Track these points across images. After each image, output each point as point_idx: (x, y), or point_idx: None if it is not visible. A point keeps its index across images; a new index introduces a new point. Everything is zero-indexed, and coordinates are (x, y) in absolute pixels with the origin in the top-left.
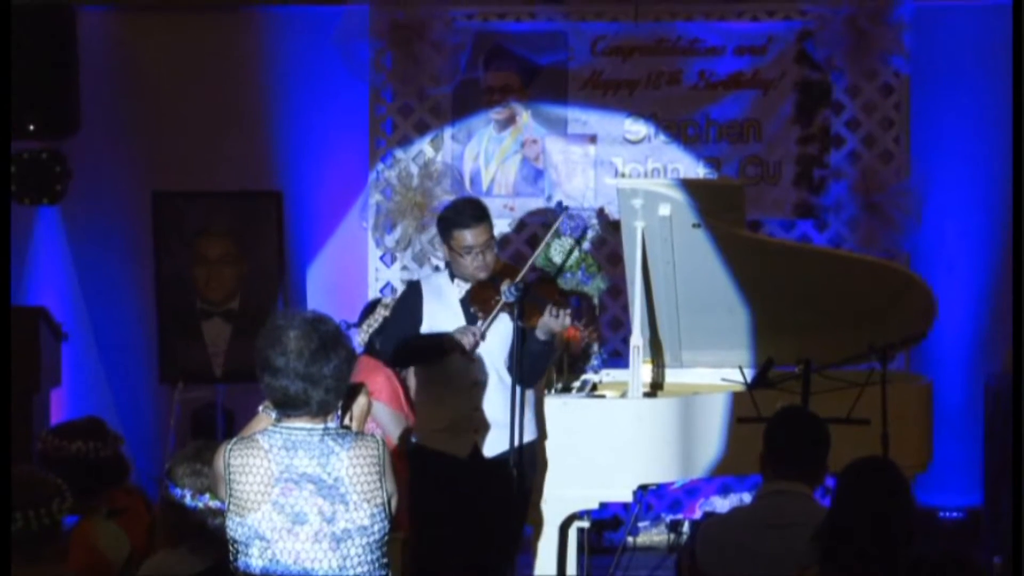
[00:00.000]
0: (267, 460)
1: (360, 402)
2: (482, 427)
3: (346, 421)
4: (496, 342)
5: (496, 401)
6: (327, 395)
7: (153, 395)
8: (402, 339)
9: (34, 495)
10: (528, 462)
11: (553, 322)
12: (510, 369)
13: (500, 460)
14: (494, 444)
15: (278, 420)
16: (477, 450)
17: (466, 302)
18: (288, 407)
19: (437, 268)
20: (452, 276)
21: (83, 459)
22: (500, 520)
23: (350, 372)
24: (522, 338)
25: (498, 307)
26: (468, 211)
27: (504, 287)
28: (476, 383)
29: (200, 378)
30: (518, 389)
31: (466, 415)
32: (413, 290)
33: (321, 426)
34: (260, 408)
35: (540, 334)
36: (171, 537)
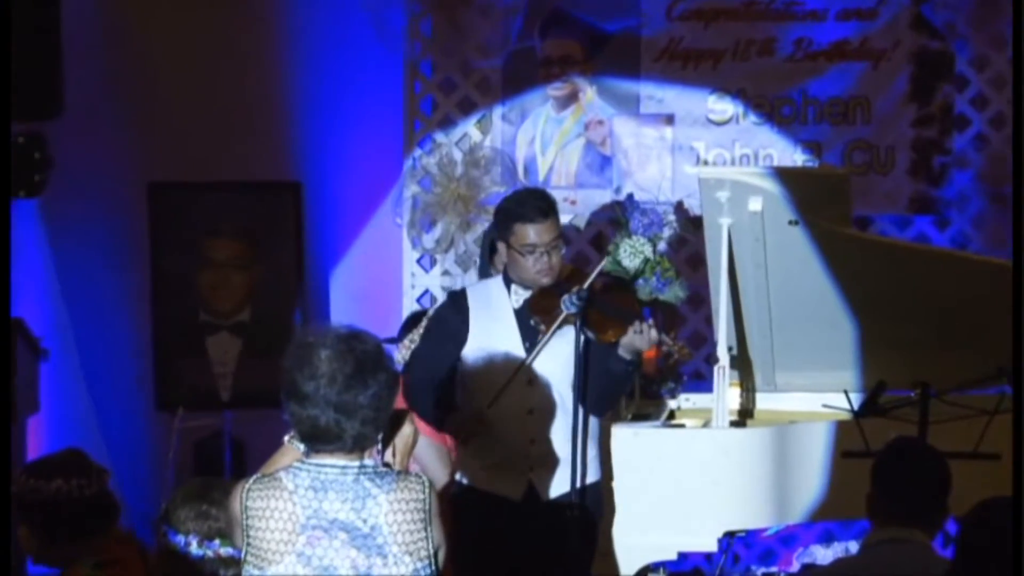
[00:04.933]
0: (292, 503)
1: (404, 434)
2: (538, 464)
3: (387, 457)
4: (559, 362)
5: (557, 433)
6: (364, 427)
7: (149, 423)
8: (431, 380)
9: None
10: (593, 505)
11: (639, 339)
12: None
13: (560, 504)
14: (554, 485)
15: (306, 455)
16: (533, 491)
17: (523, 313)
18: (317, 441)
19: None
20: (508, 283)
21: (64, 501)
22: (560, 574)
23: (392, 400)
24: (586, 356)
25: (558, 320)
26: (533, 203)
27: (565, 297)
28: (532, 411)
29: (204, 403)
30: (581, 416)
31: (520, 449)
32: (456, 305)
33: (356, 464)
34: (286, 438)
35: (624, 353)
36: None
